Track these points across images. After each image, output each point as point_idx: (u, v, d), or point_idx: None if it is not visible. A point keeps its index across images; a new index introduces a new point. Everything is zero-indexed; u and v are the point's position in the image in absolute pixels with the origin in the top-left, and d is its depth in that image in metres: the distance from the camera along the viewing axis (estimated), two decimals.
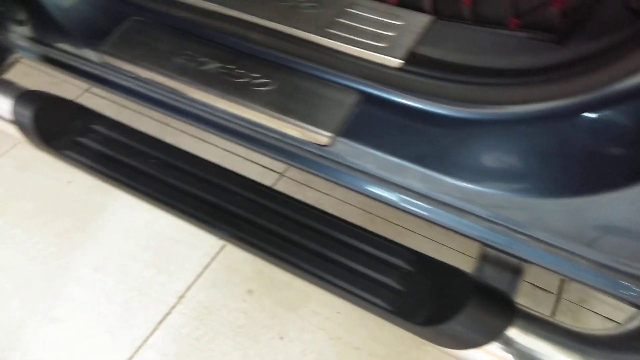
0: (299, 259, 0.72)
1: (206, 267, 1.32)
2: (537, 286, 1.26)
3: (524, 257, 0.59)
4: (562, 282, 1.27)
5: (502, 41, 0.65)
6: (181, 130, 1.60)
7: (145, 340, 1.19)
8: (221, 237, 0.77)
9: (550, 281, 1.26)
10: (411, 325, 0.64)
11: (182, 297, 1.26)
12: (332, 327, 1.20)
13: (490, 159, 0.59)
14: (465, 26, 0.68)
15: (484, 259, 0.75)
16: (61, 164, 1.56)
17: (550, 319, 0.64)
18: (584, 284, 0.60)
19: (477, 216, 0.59)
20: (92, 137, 0.89)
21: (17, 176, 1.55)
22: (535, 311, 0.65)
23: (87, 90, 1.77)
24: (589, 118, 0.51)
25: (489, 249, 0.72)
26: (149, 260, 1.33)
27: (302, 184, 1.50)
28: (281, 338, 1.19)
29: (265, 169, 1.53)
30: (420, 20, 0.69)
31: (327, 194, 1.46)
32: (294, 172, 1.53)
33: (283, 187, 1.50)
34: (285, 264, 0.71)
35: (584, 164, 0.52)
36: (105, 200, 1.46)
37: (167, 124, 1.63)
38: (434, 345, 1.17)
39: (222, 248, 1.35)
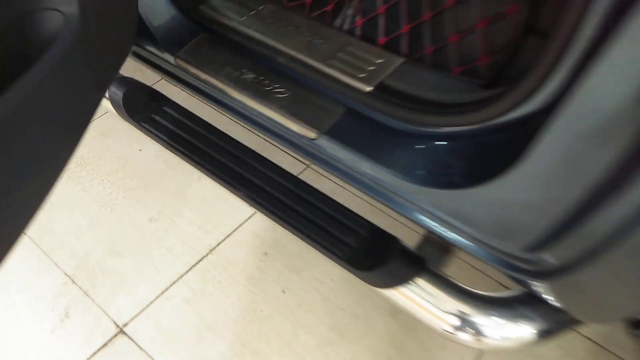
0: (291, 218, 1.02)
1: (235, 230, 1.64)
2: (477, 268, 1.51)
3: (433, 230, 0.87)
4: None
5: (448, 82, 0.92)
6: (234, 120, 1.93)
7: (180, 277, 1.53)
8: (243, 199, 1.09)
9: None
10: (355, 270, 0.93)
11: (212, 250, 1.59)
12: (325, 290, 1.50)
13: (419, 161, 0.86)
14: (425, 68, 0.95)
15: (426, 239, 1.03)
16: (135, 134, 1.95)
17: (450, 278, 0.91)
18: (472, 255, 0.86)
19: (407, 200, 0.87)
20: (163, 116, 1.23)
21: (101, 140, 1.94)
22: (443, 273, 0.93)
23: (163, 78, 2.15)
24: (476, 140, 0.78)
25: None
26: (192, 218, 1.67)
27: (323, 175, 1.80)
28: (283, 292, 1.49)
29: (296, 160, 1.84)
30: (395, 61, 0.97)
31: (342, 187, 1.75)
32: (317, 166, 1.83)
33: (307, 175, 1.80)
34: (280, 220, 1.02)
35: (470, 168, 0.78)
36: (165, 168, 1.82)
37: (223, 113, 1.97)
38: (401, 319, 1.43)
39: (250, 217, 1.67)
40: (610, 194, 0.55)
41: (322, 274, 1.53)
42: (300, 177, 1.72)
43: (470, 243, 0.84)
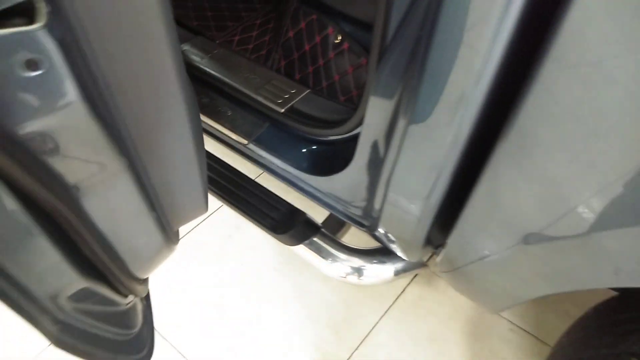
0: (235, 201, 1.46)
1: (206, 218, 2.08)
2: None
3: (322, 205, 1.30)
4: None
5: (335, 107, 1.36)
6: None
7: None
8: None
9: None
10: (275, 234, 1.37)
11: (189, 232, 2.03)
12: (274, 263, 1.93)
13: (307, 158, 1.30)
14: (321, 97, 1.40)
15: (330, 214, 1.47)
16: None
17: (336, 238, 1.35)
18: (343, 218, 1.29)
19: (304, 182, 1.31)
20: None
21: None
22: (331, 234, 1.37)
23: None
24: (335, 145, 1.22)
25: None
26: None
27: None
28: (242, 264, 1.93)
29: None
30: (303, 91, 1.41)
31: None
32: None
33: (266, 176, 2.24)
34: (228, 203, 1.46)
35: (330, 162, 1.22)
36: None
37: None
38: (331, 285, 1.84)
39: (218, 208, 2.11)
40: (379, 175, 1.00)
41: (274, 252, 1.97)
42: (262, 176, 2.17)
43: (341, 210, 1.28)
